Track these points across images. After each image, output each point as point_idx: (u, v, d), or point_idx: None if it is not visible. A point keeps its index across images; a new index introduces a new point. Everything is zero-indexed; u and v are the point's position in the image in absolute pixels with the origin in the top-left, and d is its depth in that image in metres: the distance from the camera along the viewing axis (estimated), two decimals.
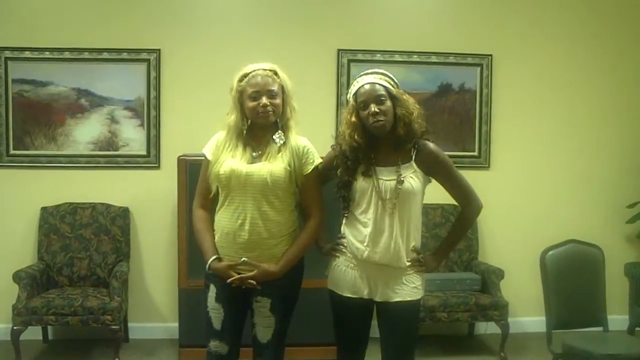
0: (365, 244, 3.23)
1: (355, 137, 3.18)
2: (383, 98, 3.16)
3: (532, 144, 6.24)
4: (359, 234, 3.26)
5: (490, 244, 6.12)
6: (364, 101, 3.17)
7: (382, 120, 3.13)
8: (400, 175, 3.18)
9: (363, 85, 3.21)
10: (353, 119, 3.20)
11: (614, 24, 6.29)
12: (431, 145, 3.27)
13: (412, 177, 3.20)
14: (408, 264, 3.25)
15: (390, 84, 3.22)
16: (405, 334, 3.31)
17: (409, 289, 3.25)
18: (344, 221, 3.40)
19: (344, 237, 3.34)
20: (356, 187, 3.24)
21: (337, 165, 3.28)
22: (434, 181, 3.34)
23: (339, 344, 3.43)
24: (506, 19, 6.18)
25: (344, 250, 3.33)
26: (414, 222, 3.27)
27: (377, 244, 3.22)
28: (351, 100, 3.25)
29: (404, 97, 3.25)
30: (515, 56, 6.18)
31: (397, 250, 3.22)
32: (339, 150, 3.27)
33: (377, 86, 3.18)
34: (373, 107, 3.13)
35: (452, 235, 3.53)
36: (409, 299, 3.24)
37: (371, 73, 3.27)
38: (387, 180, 3.19)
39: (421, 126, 3.24)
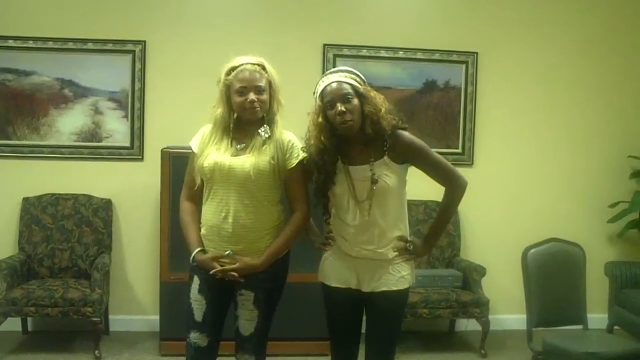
0: (348, 241, 3.24)
1: (322, 138, 3.13)
2: (350, 97, 3.10)
3: (515, 142, 6.27)
4: (343, 231, 3.27)
5: (472, 241, 6.14)
6: (330, 100, 3.11)
7: (349, 120, 3.08)
8: (374, 174, 3.14)
9: (329, 84, 3.14)
10: (320, 119, 3.14)
11: (601, 23, 6.33)
12: (403, 135, 3.19)
13: (386, 175, 3.16)
14: (395, 254, 3.25)
15: (357, 82, 3.16)
16: (389, 322, 3.31)
17: (395, 278, 3.24)
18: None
19: (331, 235, 3.35)
20: (334, 191, 3.22)
21: (311, 171, 3.27)
22: (413, 174, 3.31)
23: (331, 336, 3.43)
24: (492, 17, 6.20)
25: (332, 243, 3.33)
26: (395, 214, 3.25)
27: (359, 241, 3.22)
28: (317, 100, 3.19)
29: (372, 94, 3.18)
30: (501, 54, 6.20)
31: (381, 246, 3.22)
32: (307, 153, 3.25)
33: (344, 84, 3.12)
34: (340, 106, 3.07)
35: (440, 218, 3.44)
36: (394, 288, 3.24)
37: (336, 71, 3.22)
38: (361, 181, 3.16)
39: (390, 122, 3.16)
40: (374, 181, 3.13)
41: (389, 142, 3.16)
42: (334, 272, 3.32)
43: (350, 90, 3.11)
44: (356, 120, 3.10)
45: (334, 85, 3.13)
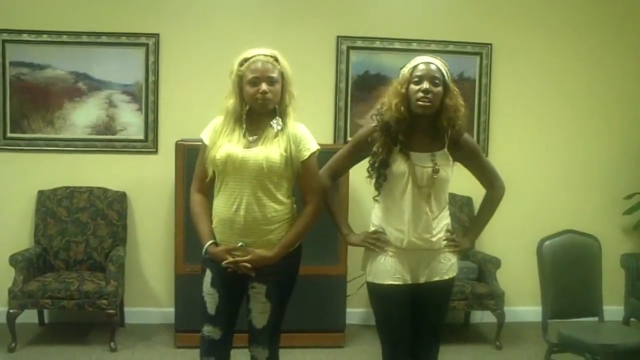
0: (404, 232, 3.25)
1: (402, 108, 3.19)
2: (437, 82, 3.18)
3: (530, 134, 6.24)
4: (397, 222, 3.27)
5: (488, 233, 6.02)
6: (420, 76, 3.18)
7: (430, 99, 3.15)
8: (436, 164, 3.22)
9: (425, 62, 3.23)
10: (403, 90, 3.21)
11: (614, 14, 6.28)
12: (468, 135, 3.38)
13: (446, 165, 3.25)
14: (444, 243, 3.31)
15: (448, 76, 3.25)
16: (442, 310, 3.43)
17: (447, 267, 3.33)
18: (376, 208, 3.39)
19: (381, 232, 3.33)
20: (392, 171, 3.25)
21: (372, 141, 3.29)
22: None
23: (385, 337, 3.39)
24: (506, 8, 6.17)
25: (384, 247, 3.30)
26: (445, 205, 3.34)
27: (416, 230, 3.24)
28: (406, 73, 3.25)
29: (456, 92, 3.28)
30: (515, 46, 6.17)
31: (436, 234, 3.27)
32: (381, 122, 3.28)
33: (436, 68, 3.21)
34: (426, 84, 3.15)
35: (481, 216, 3.59)
36: (446, 277, 3.33)
37: (435, 57, 3.30)
38: (423, 167, 3.22)
39: (463, 123, 3.29)
40: (435, 170, 3.21)
41: (459, 140, 3.30)
42: (386, 270, 3.30)
43: (440, 77, 3.20)
44: (434, 105, 3.18)
45: (429, 65, 3.22)
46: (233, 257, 3.23)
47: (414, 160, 3.22)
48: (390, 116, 3.21)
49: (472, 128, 6.10)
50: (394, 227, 3.28)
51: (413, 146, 3.24)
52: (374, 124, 3.31)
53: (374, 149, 3.27)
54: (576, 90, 6.27)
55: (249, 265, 3.21)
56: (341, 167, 3.52)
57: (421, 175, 3.21)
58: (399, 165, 3.23)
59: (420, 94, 3.15)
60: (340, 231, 3.52)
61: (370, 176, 3.35)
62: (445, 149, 3.26)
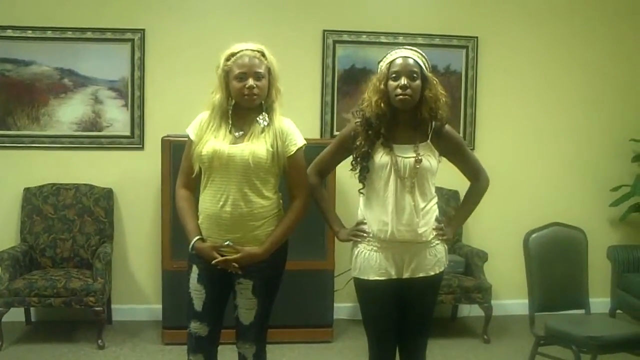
0: (388, 223, 3.23)
1: (382, 105, 3.19)
2: (415, 75, 3.18)
3: (517, 126, 6.25)
4: (381, 214, 3.25)
5: (475, 227, 6.13)
6: (397, 72, 3.18)
7: (408, 95, 3.15)
8: (419, 154, 3.21)
9: (402, 56, 3.22)
10: (382, 86, 3.21)
11: (601, 6, 6.30)
12: (451, 128, 3.35)
13: (429, 156, 3.24)
14: (431, 237, 3.28)
15: (426, 66, 3.25)
16: (428, 306, 3.40)
17: (433, 262, 3.30)
18: (361, 202, 3.38)
19: (364, 223, 3.32)
20: (374, 162, 3.24)
21: (355, 135, 3.28)
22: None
23: (370, 332, 3.39)
24: (492, 1, 6.18)
25: (365, 235, 3.30)
26: (432, 197, 3.31)
27: (399, 221, 3.22)
28: (384, 68, 3.24)
29: (434, 81, 3.27)
30: (501, 38, 6.18)
31: (420, 226, 3.24)
32: (362, 118, 3.27)
33: (413, 62, 3.20)
34: (404, 80, 3.15)
35: (464, 208, 3.58)
36: (432, 273, 3.29)
37: (411, 49, 3.28)
38: (405, 157, 3.21)
39: (445, 113, 3.28)
40: (418, 160, 3.20)
41: (441, 132, 3.29)
42: (371, 265, 3.28)
43: (417, 70, 3.20)
44: (413, 99, 3.18)
45: (405, 60, 3.21)
46: (220, 254, 3.22)
47: (397, 151, 3.22)
48: (371, 112, 3.22)
49: (459, 121, 6.11)
50: (377, 219, 3.27)
51: (396, 139, 3.24)
52: (356, 121, 3.31)
53: (357, 142, 3.27)
54: (563, 83, 6.29)
55: (236, 266, 3.21)
56: (327, 165, 3.52)
57: (403, 165, 3.20)
58: (381, 157, 3.22)
59: (399, 90, 3.15)
60: (331, 229, 3.52)
61: (353, 169, 3.34)
62: (429, 141, 3.26)
